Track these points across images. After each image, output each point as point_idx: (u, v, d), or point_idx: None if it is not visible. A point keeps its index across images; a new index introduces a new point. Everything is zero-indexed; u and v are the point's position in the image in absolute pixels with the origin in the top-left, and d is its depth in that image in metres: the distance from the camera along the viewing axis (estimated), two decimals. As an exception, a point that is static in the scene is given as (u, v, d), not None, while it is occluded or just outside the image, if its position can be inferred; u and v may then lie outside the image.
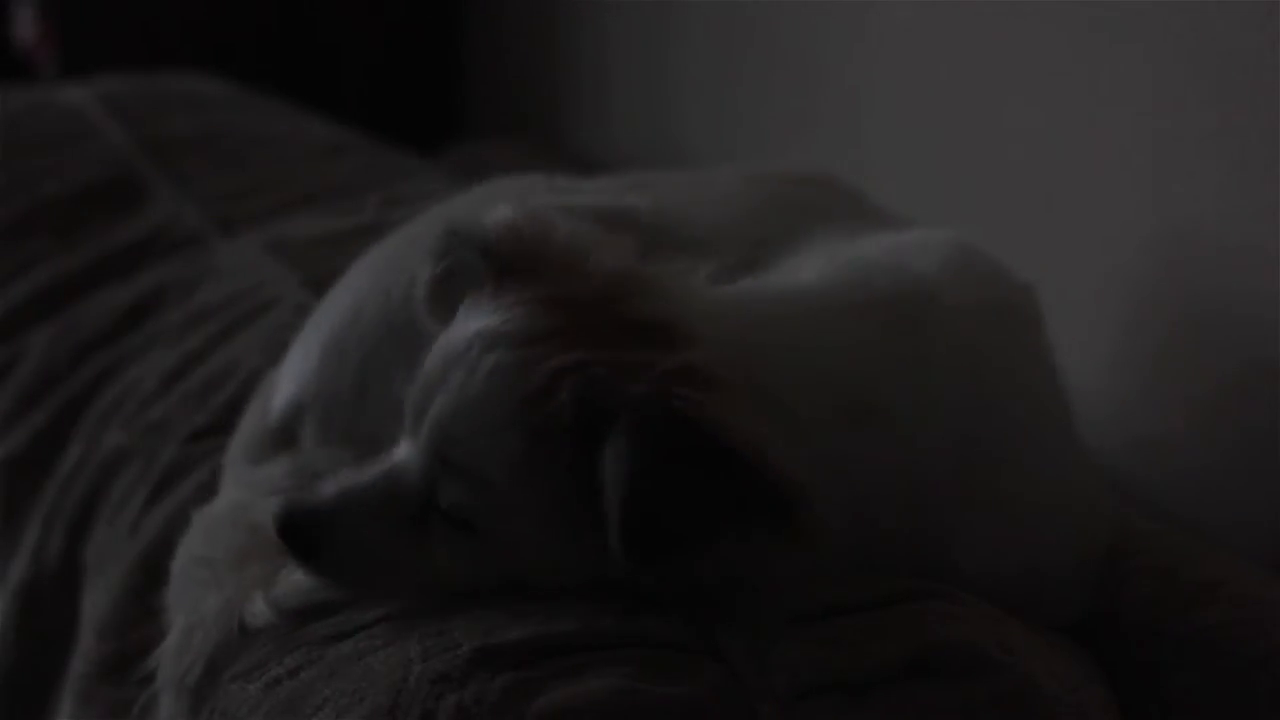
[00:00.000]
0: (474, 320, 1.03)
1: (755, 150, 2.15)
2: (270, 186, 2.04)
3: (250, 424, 1.32)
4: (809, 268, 1.11)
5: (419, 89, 3.06)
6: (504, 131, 2.81)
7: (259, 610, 1.09)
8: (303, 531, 1.05)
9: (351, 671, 0.98)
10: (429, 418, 1.02)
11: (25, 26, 2.96)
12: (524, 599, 1.00)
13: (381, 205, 1.88)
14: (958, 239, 1.14)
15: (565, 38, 2.73)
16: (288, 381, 1.29)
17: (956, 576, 1.04)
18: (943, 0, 1.77)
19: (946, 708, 0.94)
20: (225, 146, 2.16)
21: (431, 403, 1.01)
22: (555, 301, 1.02)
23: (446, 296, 1.08)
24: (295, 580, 1.09)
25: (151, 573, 1.23)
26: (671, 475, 0.93)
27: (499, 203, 1.09)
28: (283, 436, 1.27)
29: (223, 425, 1.50)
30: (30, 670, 1.52)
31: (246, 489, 1.25)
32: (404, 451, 1.04)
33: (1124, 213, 1.52)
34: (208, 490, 1.40)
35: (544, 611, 0.98)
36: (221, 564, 1.15)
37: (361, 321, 1.26)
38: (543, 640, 0.95)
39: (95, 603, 1.45)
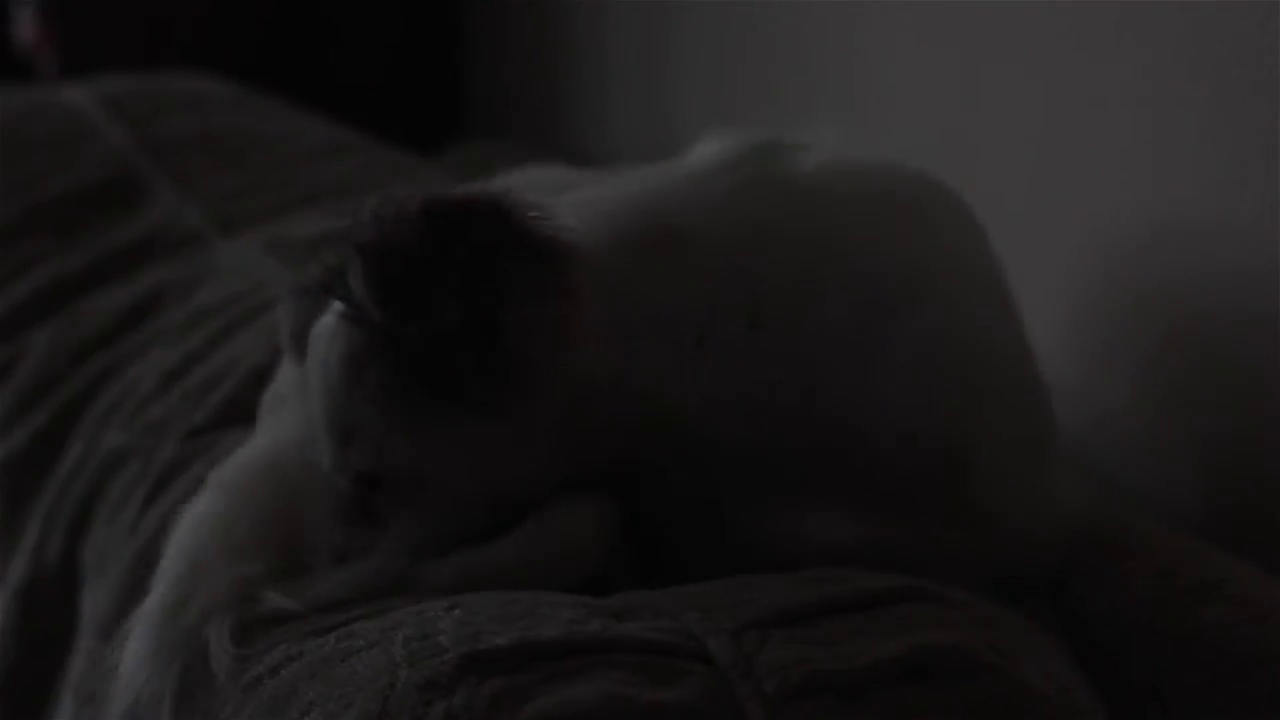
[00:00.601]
0: None
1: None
2: (270, 186, 2.03)
3: (285, 372, 1.32)
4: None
5: (419, 89, 3.06)
6: (504, 131, 2.81)
7: (221, 654, 1.06)
8: None
9: (335, 674, 0.97)
10: None
11: (25, 27, 2.95)
12: (509, 602, 1.00)
13: (381, 205, 1.88)
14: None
15: (565, 38, 2.72)
16: None
17: (860, 449, 1.06)
18: (942, -1, 1.77)
19: (940, 710, 0.93)
20: (225, 146, 2.16)
21: None
22: None
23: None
24: (258, 605, 1.08)
25: (151, 572, 1.23)
26: (393, 239, 1.03)
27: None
28: None
29: (221, 423, 1.50)
30: (30, 670, 1.52)
31: (288, 426, 1.24)
32: None
33: (1121, 211, 1.52)
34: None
35: (531, 616, 0.98)
36: (214, 547, 1.13)
37: None
38: (530, 645, 0.94)
39: (95, 603, 1.45)
